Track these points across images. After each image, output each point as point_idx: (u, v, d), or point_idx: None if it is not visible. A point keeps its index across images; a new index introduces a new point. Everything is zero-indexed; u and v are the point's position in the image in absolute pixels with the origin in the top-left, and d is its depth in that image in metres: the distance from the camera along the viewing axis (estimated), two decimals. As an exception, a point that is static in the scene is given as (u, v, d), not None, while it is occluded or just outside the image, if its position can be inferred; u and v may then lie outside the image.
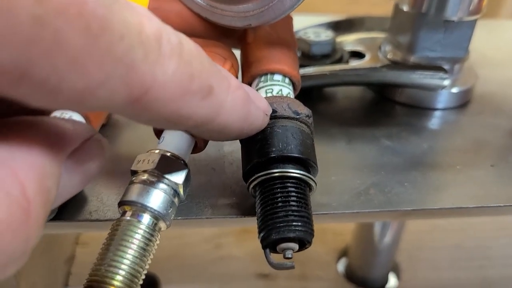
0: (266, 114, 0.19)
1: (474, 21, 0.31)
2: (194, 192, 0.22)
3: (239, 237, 0.52)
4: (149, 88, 0.12)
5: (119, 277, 0.17)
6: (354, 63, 0.32)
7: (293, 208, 0.19)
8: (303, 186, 0.20)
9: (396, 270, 0.51)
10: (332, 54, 0.32)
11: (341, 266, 0.51)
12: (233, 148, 0.26)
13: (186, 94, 0.13)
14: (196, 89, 0.14)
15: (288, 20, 0.26)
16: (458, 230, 0.55)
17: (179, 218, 0.21)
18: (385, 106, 0.33)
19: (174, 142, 0.21)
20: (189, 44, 0.14)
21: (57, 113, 0.24)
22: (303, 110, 0.21)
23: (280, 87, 0.23)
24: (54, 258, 0.41)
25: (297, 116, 0.21)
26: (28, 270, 0.34)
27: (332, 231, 0.54)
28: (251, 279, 0.48)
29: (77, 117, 0.24)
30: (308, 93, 0.33)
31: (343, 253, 0.52)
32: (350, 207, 0.22)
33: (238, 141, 0.21)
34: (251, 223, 0.20)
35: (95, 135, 0.15)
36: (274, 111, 0.20)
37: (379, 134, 0.29)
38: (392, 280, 0.50)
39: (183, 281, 0.47)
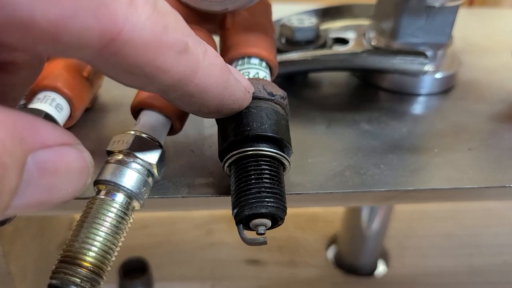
0: (248, 91, 0.19)
1: (457, 7, 0.31)
2: (172, 173, 0.23)
3: (230, 223, 0.53)
4: (122, 29, 0.12)
5: (91, 253, 0.18)
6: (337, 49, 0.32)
7: (266, 185, 0.19)
8: (277, 165, 0.20)
9: (385, 257, 0.51)
10: (315, 40, 0.32)
11: (330, 253, 0.51)
12: (214, 131, 0.26)
13: (160, 44, 0.13)
14: (171, 42, 0.14)
15: (267, 7, 0.26)
16: (447, 218, 0.56)
17: (156, 197, 0.22)
18: (369, 92, 0.33)
19: (149, 123, 0.21)
20: (164, 2, 0.14)
21: (40, 95, 0.25)
22: (278, 91, 0.21)
23: (256, 71, 0.23)
24: (46, 242, 0.42)
25: (272, 98, 0.21)
26: (18, 254, 0.35)
27: (323, 219, 0.55)
28: (241, 265, 0.49)
29: (60, 100, 0.25)
30: (292, 79, 0.33)
31: (333, 240, 0.52)
32: (324, 188, 0.23)
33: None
34: (227, 203, 0.21)
35: (77, 145, 0.13)
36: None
37: (359, 118, 0.29)
38: (381, 267, 0.51)
39: (173, 266, 0.48)
